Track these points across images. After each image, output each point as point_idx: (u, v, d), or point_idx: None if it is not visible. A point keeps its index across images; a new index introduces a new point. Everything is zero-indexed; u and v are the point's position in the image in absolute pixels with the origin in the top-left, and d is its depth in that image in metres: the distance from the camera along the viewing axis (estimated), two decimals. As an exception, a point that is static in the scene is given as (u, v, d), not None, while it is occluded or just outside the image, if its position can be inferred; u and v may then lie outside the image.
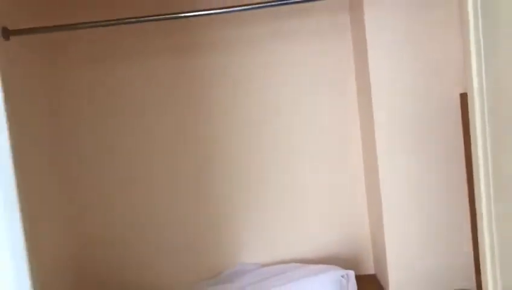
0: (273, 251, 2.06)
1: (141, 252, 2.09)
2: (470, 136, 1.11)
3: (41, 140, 1.96)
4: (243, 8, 1.65)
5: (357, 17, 1.83)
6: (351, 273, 1.80)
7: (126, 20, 1.56)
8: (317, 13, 2.00)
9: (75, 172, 2.08)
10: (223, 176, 2.05)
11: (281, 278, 1.83)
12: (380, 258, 1.92)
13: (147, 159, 2.06)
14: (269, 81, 2.02)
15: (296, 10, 2.00)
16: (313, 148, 2.03)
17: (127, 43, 2.03)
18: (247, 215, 2.05)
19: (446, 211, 1.75)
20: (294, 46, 2.00)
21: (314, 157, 2.04)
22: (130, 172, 2.07)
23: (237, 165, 2.04)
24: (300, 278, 1.78)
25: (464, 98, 1.57)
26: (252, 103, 2.03)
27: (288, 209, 2.05)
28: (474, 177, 1.10)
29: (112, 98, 2.05)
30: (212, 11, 1.65)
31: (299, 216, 2.06)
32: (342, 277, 1.80)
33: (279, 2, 1.62)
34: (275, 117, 2.03)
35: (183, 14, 1.60)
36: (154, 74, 2.04)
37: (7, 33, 1.61)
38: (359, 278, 1.96)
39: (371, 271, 2.07)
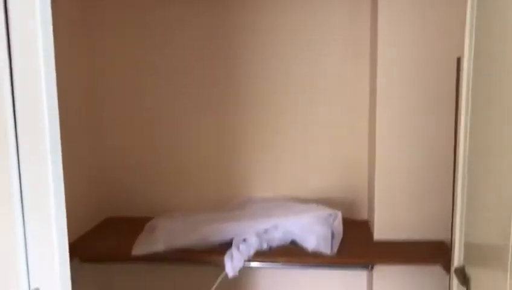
0: (277, 190, 2.28)
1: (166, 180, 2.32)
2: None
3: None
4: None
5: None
6: (338, 213, 1.99)
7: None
8: None
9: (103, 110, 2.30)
10: (242, 121, 2.25)
11: (280, 209, 2.04)
12: (371, 206, 2.14)
13: (171, 98, 2.26)
14: (293, 37, 2.19)
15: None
16: (325, 100, 2.21)
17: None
18: (259, 156, 2.27)
19: (434, 168, 1.96)
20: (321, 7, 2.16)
21: (326, 107, 2.22)
22: (155, 109, 2.27)
23: (256, 111, 2.24)
24: (297, 211, 1.99)
25: (459, 61, 1.75)
26: (272, 55, 2.20)
27: (298, 153, 2.26)
28: (457, 130, 1.29)
29: (145, 38, 2.24)
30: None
31: (306, 161, 2.26)
32: (330, 215, 1.99)
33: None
34: (294, 70, 2.20)
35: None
36: (188, 21, 2.21)
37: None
38: (353, 223, 2.17)
39: (366, 217, 2.28)
